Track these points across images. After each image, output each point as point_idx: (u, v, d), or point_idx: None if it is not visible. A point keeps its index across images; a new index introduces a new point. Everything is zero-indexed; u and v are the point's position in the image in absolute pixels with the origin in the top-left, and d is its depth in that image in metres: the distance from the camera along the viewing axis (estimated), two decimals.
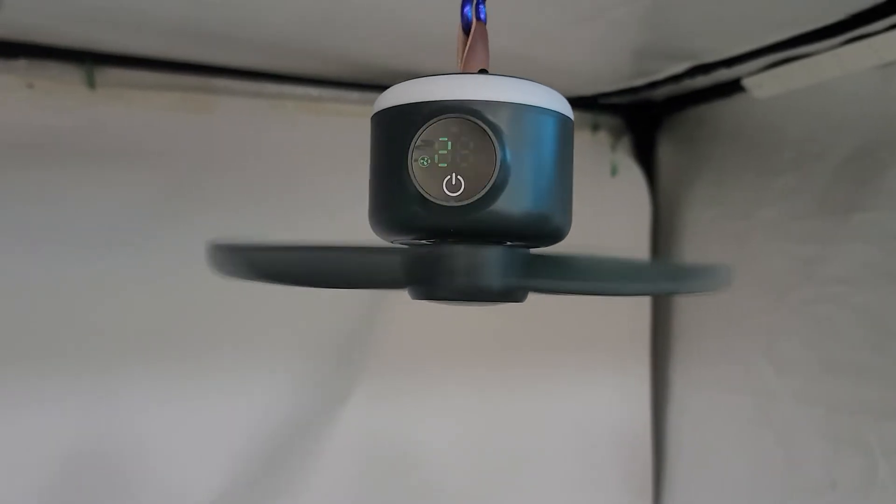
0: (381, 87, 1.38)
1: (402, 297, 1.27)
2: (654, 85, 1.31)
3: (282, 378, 1.25)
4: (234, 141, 1.24)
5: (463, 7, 0.47)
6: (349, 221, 1.27)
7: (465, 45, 0.46)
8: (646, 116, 1.52)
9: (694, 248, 1.48)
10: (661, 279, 0.46)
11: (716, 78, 1.25)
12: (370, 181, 0.44)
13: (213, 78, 1.22)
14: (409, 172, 0.41)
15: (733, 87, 1.30)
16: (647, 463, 1.50)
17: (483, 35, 0.46)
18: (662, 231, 1.53)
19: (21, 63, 1.12)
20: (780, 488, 1.25)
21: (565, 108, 0.44)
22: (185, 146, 1.21)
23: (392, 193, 0.42)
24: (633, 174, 1.49)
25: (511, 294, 0.43)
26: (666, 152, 1.54)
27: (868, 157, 1.16)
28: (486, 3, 0.47)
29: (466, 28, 0.47)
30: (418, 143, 0.41)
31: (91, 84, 1.15)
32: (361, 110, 1.32)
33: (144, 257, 1.16)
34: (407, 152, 0.41)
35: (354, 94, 1.33)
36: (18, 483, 1.11)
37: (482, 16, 0.47)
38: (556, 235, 0.44)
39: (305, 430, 1.27)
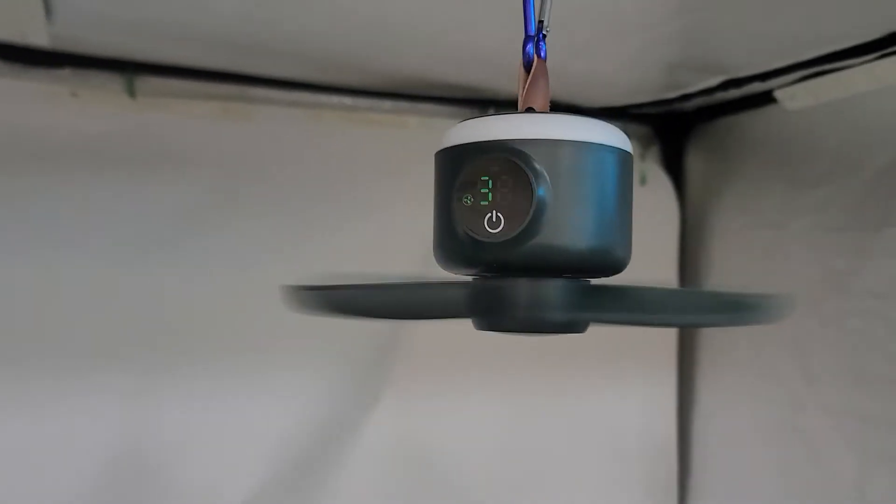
0: (414, 97, 1.40)
1: None
2: (686, 97, 1.32)
3: (313, 382, 1.28)
4: (271, 149, 1.27)
5: (525, 45, 0.48)
6: (383, 228, 1.32)
7: (526, 82, 0.48)
8: (675, 126, 1.53)
9: (722, 257, 1.48)
10: (722, 311, 0.46)
11: (748, 90, 1.25)
12: (433, 218, 0.47)
13: (251, 87, 1.25)
14: (454, 211, 0.43)
15: (764, 99, 1.30)
16: (673, 471, 1.50)
17: (544, 72, 0.48)
18: (691, 240, 1.53)
19: (66, 72, 1.15)
20: (807, 500, 1.26)
21: (614, 140, 0.45)
22: (224, 154, 1.24)
23: (443, 230, 0.46)
24: (661, 183, 1.50)
25: (571, 326, 0.45)
26: (695, 162, 1.54)
27: None
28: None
29: (528, 66, 0.48)
30: (461, 182, 0.43)
31: (131, 93, 1.18)
32: (394, 119, 1.34)
33: (184, 262, 1.19)
34: (453, 191, 0.43)
35: (387, 104, 1.35)
36: (54, 485, 1.15)
37: (543, 53, 0.48)
38: (614, 267, 0.45)
39: (336, 434, 1.29)
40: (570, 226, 0.42)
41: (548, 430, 1.44)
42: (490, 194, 0.42)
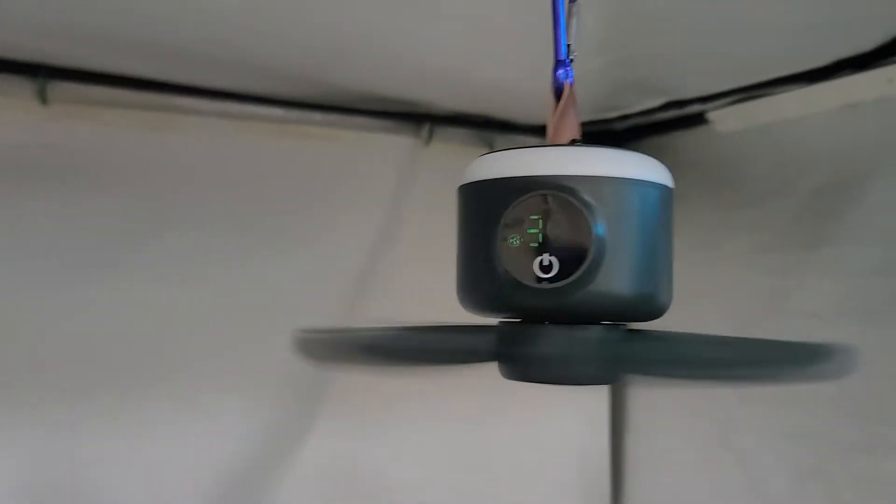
0: (347, 110, 1.35)
1: (370, 321, 1.23)
2: (624, 117, 1.32)
3: (247, 406, 1.21)
4: (198, 163, 1.18)
5: (555, 70, 0.44)
6: (316, 245, 1.26)
7: (556, 110, 0.44)
8: (605, 145, 1.53)
9: None
10: (782, 363, 0.42)
11: (685, 112, 1.27)
12: (458, 255, 0.42)
13: (175, 96, 1.17)
14: (497, 252, 0.39)
15: (696, 120, 1.32)
16: (606, 490, 1.50)
17: (573, 99, 0.44)
18: None
19: None
20: None
21: (663, 177, 0.42)
22: (146, 166, 1.15)
23: (481, 273, 0.40)
24: None
25: (607, 378, 0.41)
26: None
27: (831, 193, 1.19)
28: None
29: (558, 93, 0.44)
30: (507, 220, 0.38)
31: (43, 99, 1.07)
32: (327, 133, 1.28)
33: (106, 282, 1.10)
34: (495, 230, 0.39)
35: (318, 116, 1.29)
36: None
37: (570, 79, 0.44)
38: (659, 313, 0.42)
39: (271, 458, 1.23)
40: (624, 270, 0.39)
41: (484, 449, 1.41)
42: (540, 235, 0.38)
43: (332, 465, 1.28)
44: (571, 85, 0.45)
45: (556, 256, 0.38)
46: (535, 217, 0.38)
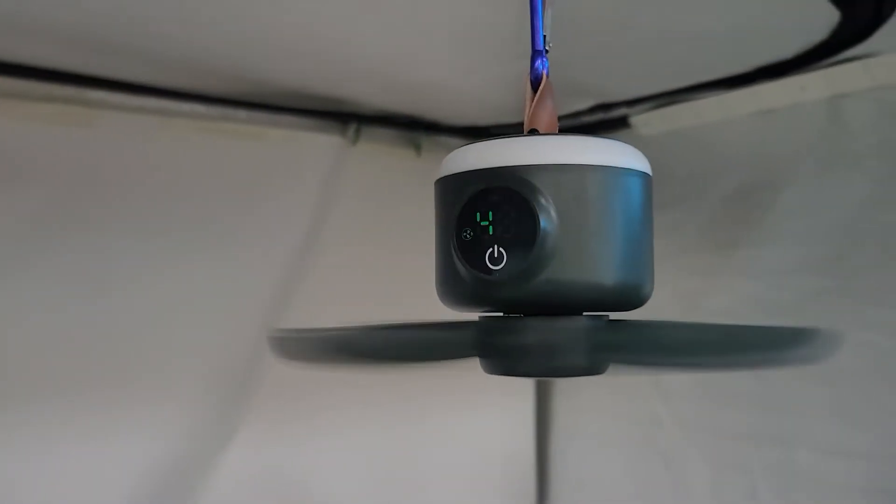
0: (272, 108, 1.32)
1: (293, 326, 1.20)
2: None
3: (170, 414, 1.16)
4: (115, 159, 1.13)
5: (533, 61, 0.44)
6: (238, 247, 1.22)
7: (533, 101, 0.43)
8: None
9: None
10: (771, 349, 0.41)
11: (611, 115, 1.29)
12: (435, 251, 0.42)
13: (91, 89, 1.12)
14: (454, 246, 0.39)
15: (620, 123, 1.35)
16: (531, 489, 1.52)
17: (550, 90, 0.44)
18: None
19: None
20: None
21: (632, 163, 0.41)
22: (59, 163, 1.09)
23: (446, 267, 0.41)
24: None
25: (591, 369, 0.41)
26: None
27: (748, 196, 1.23)
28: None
29: (536, 83, 0.44)
30: (461, 214, 0.38)
31: None
32: (253, 131, 1.25)
33: (16, 284, 1.04)
34: (453, 225, 0.39)
35: (243, 113, 1.26)
36: None
37: (546, 69, 0.44)
38: (635, 301, 0.42)
39: (196, 467, 1.18)
40: (583, 258, 0.39)
41: (409, 454, 1.40)
42: (491, 227, 0.38)
43: (256, 474, 1.25)
44: (548, 76, 0.45)
45: (504, 248, 0.38)
46: (485, 209, 0.38)
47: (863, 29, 0.88)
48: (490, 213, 0.38)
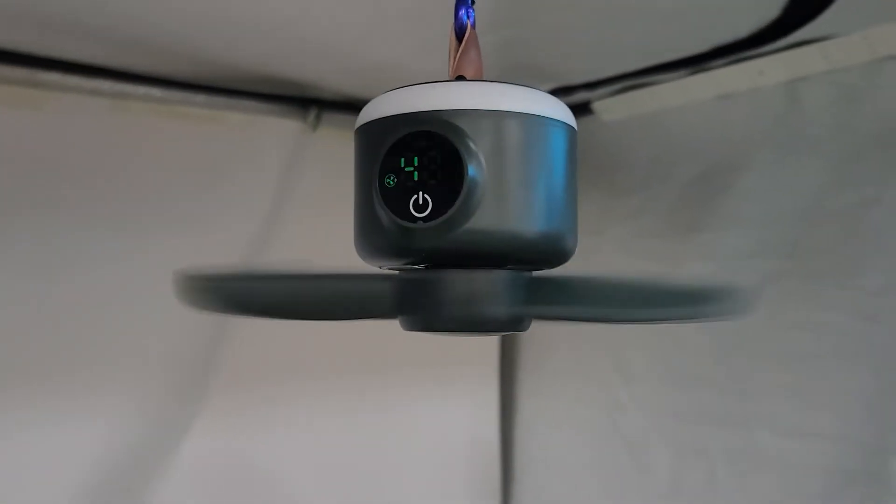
0: (231, 92, 1.30)
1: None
2: None
3: (122, 401, 1.14)
4: (67, 144, 1.11)
5: (457, 10, 0.43)
6: (194, 235, 1.21)
7: (457, 52, 0.42)
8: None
9: None
10: (689, 303, 0.41)
11: (572, 100, 1.29)
12: (354, 203, 0.40)
13: (42, 71, 1.09)
14: (376, 193, 0.38)
15: (582, 109, 1.35)
16: (496, 475, 1.51)
17: (475, 41, 0.43)
18: None
19: None
20: (628, 496, 1.31)
21: (560, 114, 0.40)
22: (8, 148, 1.06)
23: (365, 217, 0.39)
24: None
25: (514, 323, 0.40)
26: None
27: (709, 180, 1.24)
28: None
29: (460, 33, 0.43)
30: (384, 160, 0.37)
31: None
32: (211, 115, 1.24)
33: None
34: (377, 171, 0.38)
35: (201, 97, 1.24)
36: None
37: (473, 21, 0.44)
38: (560, 257, 0.41)
39: (151, 455, 1.16)
40: (510, 208, 0.38)
41: (375, 440, 1.39)
42: (416, 173, 0.37)
43: (213, 463, 1.23)
44: (473, 27, 0.44)
45: (430, 195, 0.37)
46: (410, 155, 0.37)
47: (815, 6, 0.88)
48: (415, 159, 0.37)
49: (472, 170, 0.36)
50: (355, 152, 0.41)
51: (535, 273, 0.42)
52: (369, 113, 0.40)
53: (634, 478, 1.30)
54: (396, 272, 0.41)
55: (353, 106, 1.34)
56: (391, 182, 0.37)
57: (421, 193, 0.37)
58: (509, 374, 1.53)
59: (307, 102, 1.30)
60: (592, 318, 0.42)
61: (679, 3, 0.90)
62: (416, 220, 0.37)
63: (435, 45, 1.05)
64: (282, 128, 1.28)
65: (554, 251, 0.40)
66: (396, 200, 0.37)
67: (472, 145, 0.37)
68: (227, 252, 1.24)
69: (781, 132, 1.15)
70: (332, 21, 0.95)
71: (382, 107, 0.39)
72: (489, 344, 1.52)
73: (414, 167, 0.37)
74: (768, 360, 1.16)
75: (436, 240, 0.37)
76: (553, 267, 0.42)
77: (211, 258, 1.24)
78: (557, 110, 0.40)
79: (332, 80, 1.22)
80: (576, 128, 0.41)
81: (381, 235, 0.39)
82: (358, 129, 0.41)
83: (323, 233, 1.31)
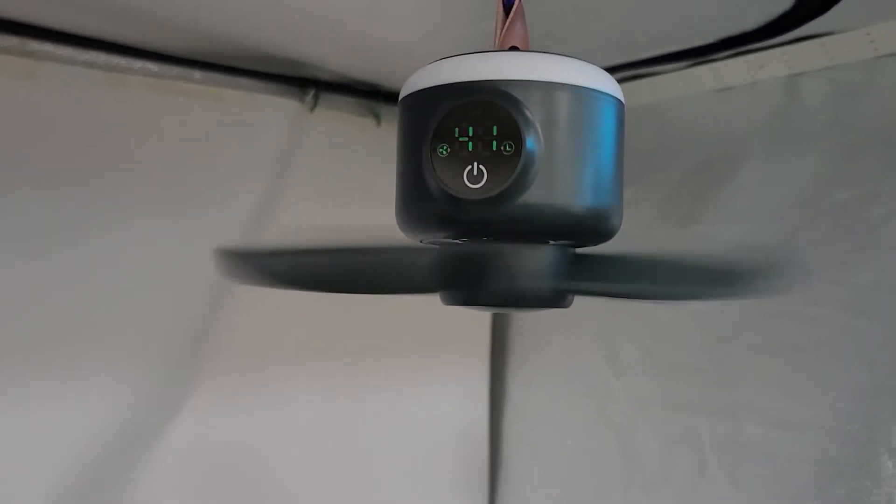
0: (228, 69, 1.27)
1: (245, 295, 1.17)
2: None
3: (113, 380, 1.12)
4: (60, 116, 1.08)
5: None
6: (189, 213, 1.19)
7: (504, 24, 0.42)
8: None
9: None
10: (728, 280, 0.41)
11: None
12: (396, 175, 0.39)
13: (34, 40, 1.06)
14: (427, 163, 0.36)
15: None
16: (484, 463, 1.51)
17: (522, 13, 0.42)
18: None
19: None
20: (617, 485, 1.31)
21: (612, 89, 0.40)
22: (1, 117, 1.04)
23: (412, 187, 0.38)
24: None
25: (557, 300, 0.39)
26: None
27: (705, 172, 1.24)
28: None
29: (508, 5, 0.42)
30: (437, 130, 0.36)
31: None
32: (207, 91, 1.21)
33: None
34: (425, 141, 0.36)
35: (198, 74, 1.22)
36: None
37: None
38: (606, 233, 0.41)
39: (139, 437, 1.15)
40: (563, 183, 0.37)
41: (364, 426, 1.38)
42: (470, 143, 0.36)
43: (202, 444, 1.21)
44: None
45: (485, 166, 0.36)
46: (465, 125, 0.36)
47: (825, 1, 0.88)
48: (469, 129, 0.36)
49: (529, 142, 0.36)
50: (401, 121, 0.40)
51: (578, 249, 0.41)
52: (418, 81, 0.39)
53: (624, 467, 1.31)
54: (436, 246, 0.41)
55: (352, 88, 1.33)
56: (444, 151, 0.36)
57: (476, 164, 0.36)
58: (500, 363, 1.53)
59: (305, 82, 1.28)
60: (634, 294, 0.42)
61: None
62: (469, 191, 0.36)
63: (441, 28, 1.04)
64: (279, 107, 1.27)
65: (601, 228, 0.40)
66: (449, 171, 0.36)
67: (529, 116, 0.36)
68: (221, 229, 1.22)
69: (779, 126, 1.16)
70: (360, 14, 0.93)
71: (434, 75, 0.38)
72: (480, 333, 1.52)
73: (468, 137, 0.36)
74: (759, 352, 1.17)
75: (487, 212, 0.36)
76: (597, 244, 0.41)
77: (203, 235, 1.23)
78: (610, 84, 0.40)
79: (335, 60, 1.21)
80: (624, 103, 0.41)
81: (429, 205, 0.38)
82: (405, 97, 0.40)
83: (319, 210, 1.30)
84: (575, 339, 1.41)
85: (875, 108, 1.06)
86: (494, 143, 0.36)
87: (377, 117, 1.37)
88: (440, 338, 1.44)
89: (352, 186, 1.33)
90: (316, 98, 1.29)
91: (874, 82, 1.06)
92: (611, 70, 1.19)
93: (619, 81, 1.23)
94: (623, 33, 1.06)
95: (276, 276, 0.42)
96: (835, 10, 0.93)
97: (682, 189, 1.27)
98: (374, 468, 1.39)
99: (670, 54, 1.12)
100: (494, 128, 0.36)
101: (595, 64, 0.39)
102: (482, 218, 0.36)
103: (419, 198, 0.38)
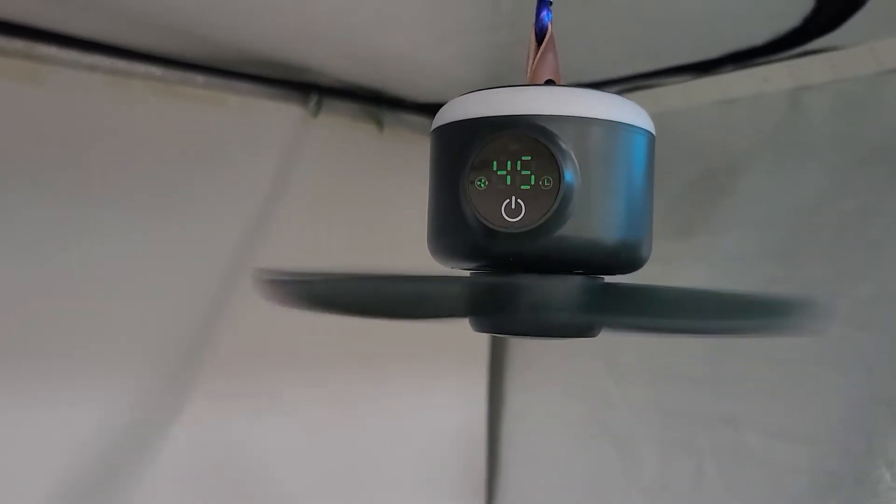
0: (231, 73, 1.27)
1: (245, 300, 1.17)
2: None
3: (111, 386, 1.12)
4: (66, 118, 1.08)
5: (539, 12, 0.42)
6: (189, 218, 1.18)
7: (537, 54, 0.42)
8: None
9: None
10: (760, 316, 0.42)
11: None
12: (429, 203, 0.39)
13: (41, 44, 1.06)
14: (464, 195, 0.37)
15: None
16: (482, 469, 1.52)
17: (553, 44, 0.43)
18: None
19: None
20: (615, 492, 1.32)
21: (645, 122, 0.40)
22: (6, 119, 1.03)
23: (447, 218, 0.39)
24: None
25: (586, 330, 0.40)
26: None
27: (707, 183, 1.25)
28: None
29: (540, 35, 0.42)
30: (475, 162, 0.37)
31: None
32: (210, 96, 1.21)
33: None
34: (463, 173, 0.37)
35: (201, 78, 1.21)
36: None
37: (551, 20, 0.43)
38: (637, 263, 0.41)
39: (140, 439, 1.14)
40: (598, 216, 0.38)
41: (363, 431, 1.38)
42: (508, 177, 0.36)
43: (201, 450, 1.21)
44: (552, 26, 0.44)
45: (523, 199, 0.36)
46: (504, 158, 0.37)
47: (836, 16, 0.89)
48: (508, 163, 0.37)
49: (568, 175, 0.36)
50: (434, 151, 0.41)
51: (607, 279, 0.42)
52: (454, 112, 0.39)
53: (622, 474, 1.32)
54: (468, 274, 0.41)
55: (355, 94, 1.33)
56: (482, 184, 0.37)
57: (514, 198, 0.36)
58: (499, 369, 1.54)
59: (308, 88, 1.28)
60: (664, 329, 0.42)
61: (700, 9, 0.90)
62: (507, 224, 0.37)
63: (446, 37, 1.04)
64: (281, 112, 1.27)
65: (633, 259, 0.41)
66: (486, 203, 0.37)
67: (567, 151, 0.36)
68: (223, 234, 1.22)
69: (783, 138, 1.17)
70: (343, 4, 0.93)
71: (469, 107, 0.39)
72: (479, 339, 1.52)
73: (507, 171, 0.36)
74: (758, 362, 1.17)
75: (524, 245, 0.37)
76: (625, 273, 0.42)
77: (205, 240, 1.22)
78: (642, 118, 0.40)
79: (338, 66, 1.21)
80: (655, 135, 0.42)
81: (464, 236, 0.38)
82: (441, 127, 0.40)
83: (321, 217, 1.31)
84: (574, 346, 1.41)
85: (878, 123, 1.07)
86: (533, 177, 0.36)
87: (380, 123, 1.37)
88: (439, 343, 1.44)
89: (354, 192, 1.33)
90: (319, 104, 1.29)
91: (878, 97, 1.07)
92: (614, 82, 1.20)
93: (621, 92, 1.24)
94: (630, 46, 1.07)
95: (314, 301, 0.43)
96: (843, 27, 0.94)
97: (682, 200, 1.27)
98: (372, 473, 1.39)
99: (675, 67, 1.13)
100: (533, 162, 0.36)
101: (624, 97, 0.40)
102: (518, 250, 0.37)
103: (455, 228, 0.38)
